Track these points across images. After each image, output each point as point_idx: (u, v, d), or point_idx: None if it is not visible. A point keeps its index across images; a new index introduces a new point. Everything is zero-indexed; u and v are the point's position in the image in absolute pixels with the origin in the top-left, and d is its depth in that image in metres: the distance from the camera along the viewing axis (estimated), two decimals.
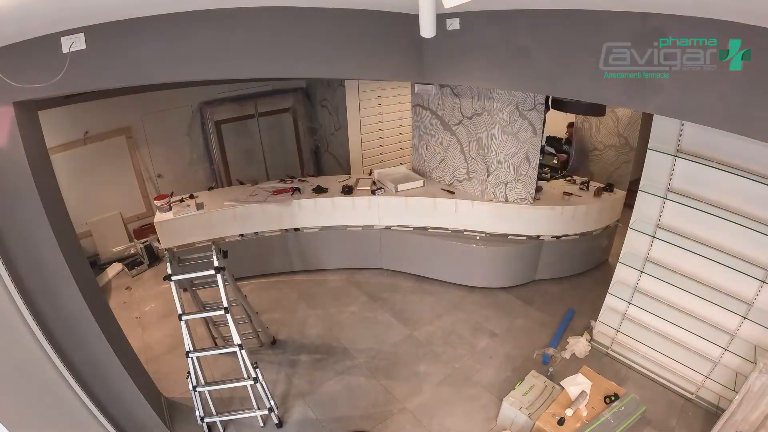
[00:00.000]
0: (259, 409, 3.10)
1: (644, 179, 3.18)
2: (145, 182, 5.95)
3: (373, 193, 4.76)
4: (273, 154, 7.01)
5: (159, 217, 4.51)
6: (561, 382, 3.15)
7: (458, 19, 2.96)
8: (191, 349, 2.83)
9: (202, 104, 6.18)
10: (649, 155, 3.10)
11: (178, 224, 4.51)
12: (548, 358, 3.69)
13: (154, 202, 4.60)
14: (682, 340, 3.24)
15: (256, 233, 4.84)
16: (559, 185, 5.01)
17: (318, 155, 7.66)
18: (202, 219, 4.59)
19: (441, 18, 2.92)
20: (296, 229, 4.90)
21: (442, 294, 4.69)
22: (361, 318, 4.37)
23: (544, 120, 4.32)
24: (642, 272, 3.35)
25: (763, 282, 2.76)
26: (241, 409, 3.24)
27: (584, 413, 2.89)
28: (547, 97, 4.39)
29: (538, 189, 4.72)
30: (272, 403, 3.10)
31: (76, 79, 2.17)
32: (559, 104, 4.83)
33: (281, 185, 5.08)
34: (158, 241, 4.78)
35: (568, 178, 5.27)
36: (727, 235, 2.86)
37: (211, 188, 5.39)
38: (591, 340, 3.85)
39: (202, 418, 3.03)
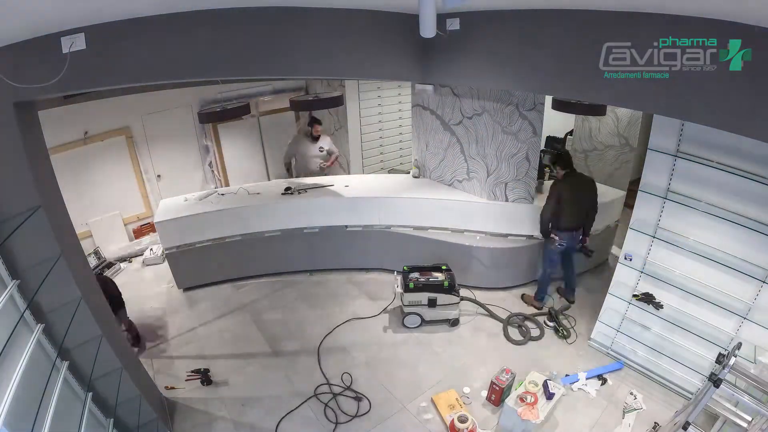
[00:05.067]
0: None
1: (644, 179, 3.18)
2: (145, 182, 5.95)
3: None
4: (273, 153, 7.01)
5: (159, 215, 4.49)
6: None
7: (458, 19, 2.96)
8: None
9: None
10: (649, 155, 3.10)
11: (179, 224, 4.52)
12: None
13: None
14: (682, 340, 3.24)
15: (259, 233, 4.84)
16: None
17: None
18: (202, 219, 4.59)
19: (441, 18, 2.92)
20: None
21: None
22: (361, 318, 4.37)
23: None
24: (642, 272, 3.35)
25: (763, 282, 2.75)
26: None
27: None
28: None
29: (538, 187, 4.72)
30: None
31: (76, 79, 2.17)
32: (560, 104, 4.83)
33: None
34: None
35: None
36: (727, 235, 2.86)
37: None
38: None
39: None
